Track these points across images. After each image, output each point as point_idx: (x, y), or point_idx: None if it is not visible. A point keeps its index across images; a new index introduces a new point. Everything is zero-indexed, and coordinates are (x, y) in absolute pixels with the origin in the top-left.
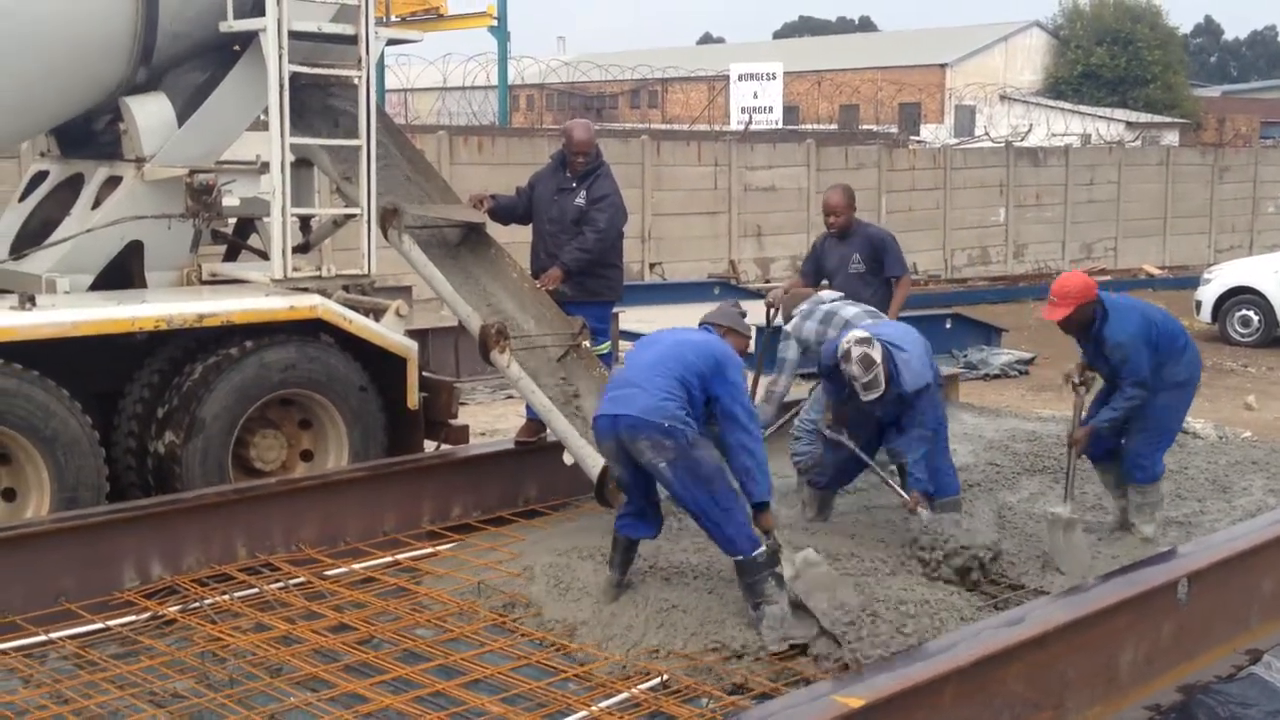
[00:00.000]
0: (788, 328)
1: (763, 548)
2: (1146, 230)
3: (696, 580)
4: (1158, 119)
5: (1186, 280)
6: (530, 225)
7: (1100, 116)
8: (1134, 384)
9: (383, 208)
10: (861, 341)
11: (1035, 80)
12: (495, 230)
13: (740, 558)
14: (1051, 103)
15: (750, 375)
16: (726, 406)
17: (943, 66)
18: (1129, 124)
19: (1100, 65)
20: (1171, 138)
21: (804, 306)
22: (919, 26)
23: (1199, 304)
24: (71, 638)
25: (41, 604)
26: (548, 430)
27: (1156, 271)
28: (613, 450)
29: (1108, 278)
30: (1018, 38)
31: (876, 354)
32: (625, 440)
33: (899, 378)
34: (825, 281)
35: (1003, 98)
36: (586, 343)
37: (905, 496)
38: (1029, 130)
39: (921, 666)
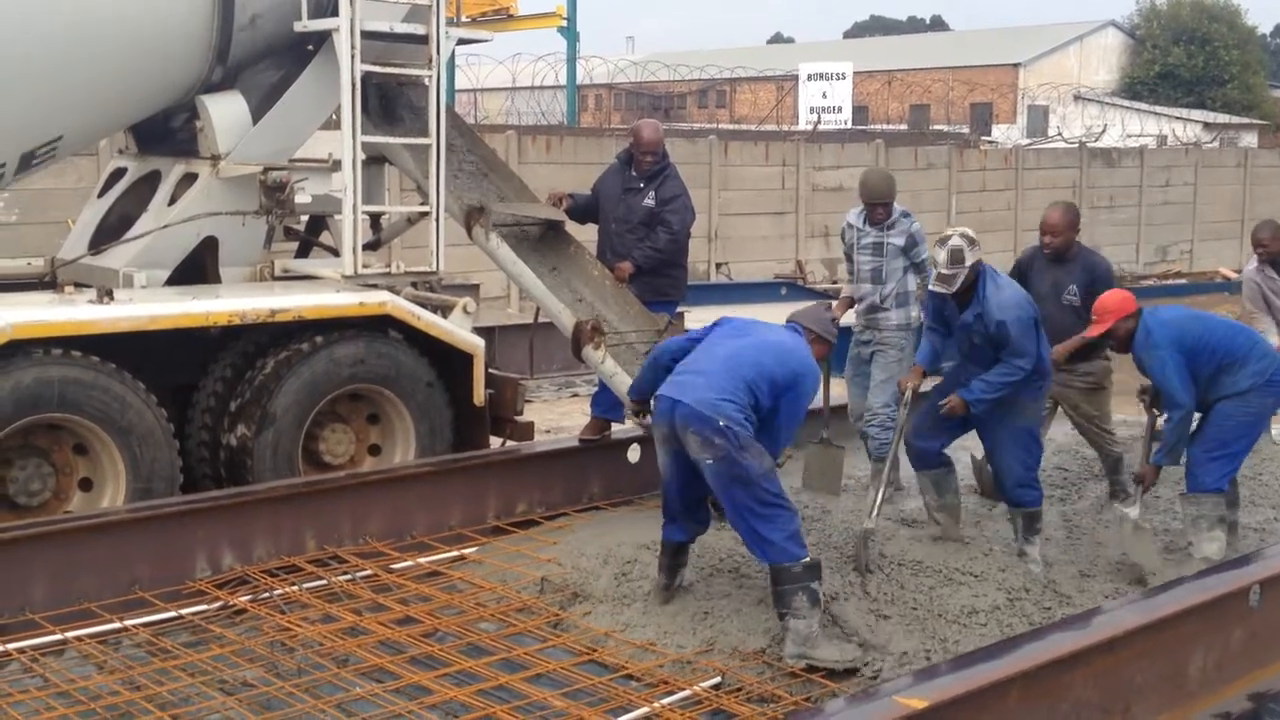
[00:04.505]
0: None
1: (803, 560)
2: (1223, 233)
3: (758, 576)
4: (1236, 120)
5: None
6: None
7: (1177, 117)
8: (1170, 405)
9: (469, 206)
10: (965, 238)
11: (1110, 80)
12: (569, 228)
13: (774, 564)
14: (1127, 103)
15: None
16: (776, 424)
17: (1015, 66)
18: (1206, 125)
19: (1177, 65)
20: (1250, 139)
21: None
22: (991, 26)
23: None
24: (145, 625)
25: (116, 592)
26: (612, 428)
27: (1233, 275)
28: (665, 434)
29: (1183, 281)
30: (1093, 37)
31: (970, 258)
32: (678, 427)
33: (986, 300)
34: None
35: (1077, 98)
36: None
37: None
38: (1103, 131)
39: (986, 668)
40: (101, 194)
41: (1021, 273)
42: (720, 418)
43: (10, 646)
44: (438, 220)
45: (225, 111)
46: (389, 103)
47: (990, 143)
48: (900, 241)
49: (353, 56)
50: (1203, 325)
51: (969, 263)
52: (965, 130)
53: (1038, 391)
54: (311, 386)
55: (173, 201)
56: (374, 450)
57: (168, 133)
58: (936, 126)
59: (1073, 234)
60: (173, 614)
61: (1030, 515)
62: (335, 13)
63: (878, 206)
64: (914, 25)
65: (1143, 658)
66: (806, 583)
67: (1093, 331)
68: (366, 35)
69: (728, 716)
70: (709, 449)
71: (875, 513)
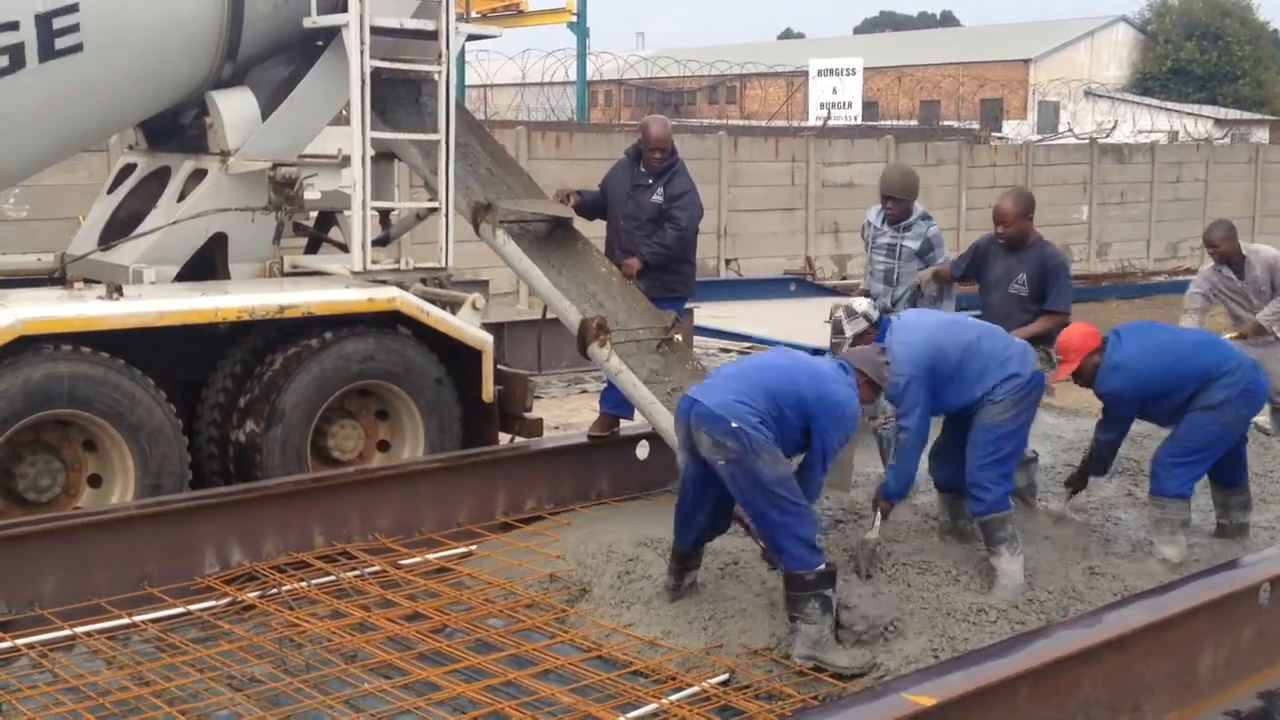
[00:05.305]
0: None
1: (818, 566)
2: None
3: (768, 577)
4: (1247, 116)
5: None
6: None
7: (1188, 113)
8: (1104, 427)
9: (476, 203)
10: (847, 310)
11: (1121, 76)
12: (578, 224)
13: (789, 570)
14: (1138, 99)
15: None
16: (810, 460)
17: (1026, 62)
18: (1217, 121)
19: (1189, 61)
20: (1261, 135)
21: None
22: (1002, 22)
23: None
24: (153, 621)
25: (125, 587)
26: (620, 425)
27: None
28: (683, 434)
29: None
30: (1104, 33)
31: (849, 329)
32: (693, 427)
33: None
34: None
35: (1088, 94)
36: (679, 336)
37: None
38: (1114, 127)
39: (996, 665)
40: (111, 190)
41: (978, 256)
42: (732, 419)
43: (20, 642)
44: (447, 216)
45: (235, 107)
46: (398, 99)
47: (1001, 138)
48: (915, 245)
49: (362, 52)
50: (1164, 360)
51: (849, 334)
52: (975, 126)
53: (1012, 397)
54: (320, 382)
55: (182, 198)
56: (383, 446)
57: (177, 129)
58: (947, 122)
59: (1025, 223)
60: (181, 610)
61: (984, 524)
62: (345, 8)
63: (890, 200)
64: (924, 21)
65: (1152, 656)
66: (819, 590)
67: (1060, 374)
68: (376, 31)
69: (735, 713)
70: (719, 450)
71: (878, 522)
